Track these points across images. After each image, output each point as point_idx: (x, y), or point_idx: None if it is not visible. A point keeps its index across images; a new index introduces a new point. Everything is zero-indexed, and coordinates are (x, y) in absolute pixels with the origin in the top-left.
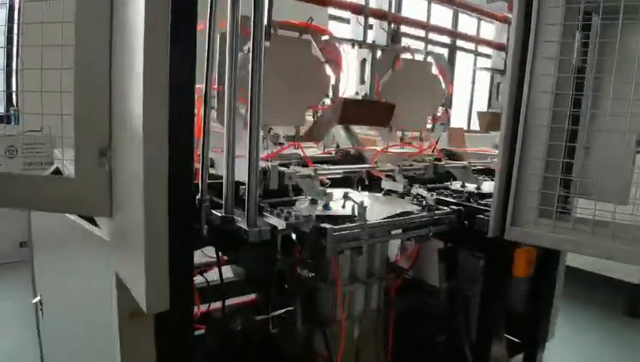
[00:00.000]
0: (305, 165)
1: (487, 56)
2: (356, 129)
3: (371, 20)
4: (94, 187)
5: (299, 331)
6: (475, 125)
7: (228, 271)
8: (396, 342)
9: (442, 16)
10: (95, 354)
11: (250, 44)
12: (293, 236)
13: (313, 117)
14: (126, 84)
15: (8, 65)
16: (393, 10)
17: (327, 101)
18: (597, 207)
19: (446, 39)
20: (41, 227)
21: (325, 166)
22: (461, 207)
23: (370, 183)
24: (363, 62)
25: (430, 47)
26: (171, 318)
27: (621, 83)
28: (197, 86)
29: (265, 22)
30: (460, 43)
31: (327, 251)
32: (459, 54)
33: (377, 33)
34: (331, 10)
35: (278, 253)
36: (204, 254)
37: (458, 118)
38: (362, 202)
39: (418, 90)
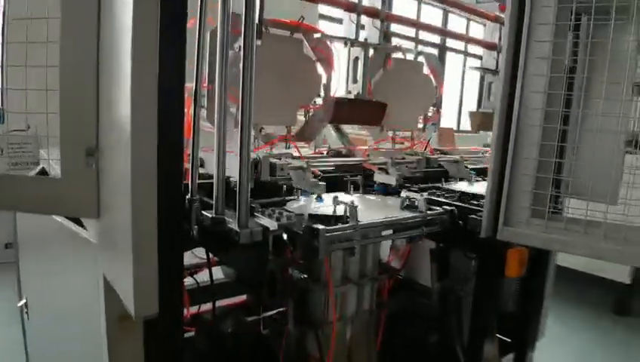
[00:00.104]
0: None
1: (477, 56)
2: (347, 129)
3: (364, 19)
4: (81, 188)
5: (290, 332)
6: (465, 125)
7: (218, 272)
8: (388, 342)
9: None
10: (82, 358)
11: (241, 41)
12: (285, 236)
13: (305, 116)
14: (114, 82)
15: None
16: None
17: (319, 100)
18: (587, 207)
19: (437, 39)
20: (27, 228)
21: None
22: (453, 208)
23: (365, 179)
24: (355, 60)
25: (421, 47)
26: (160, 322)
27: (611, 83)
28: (186, 85)
29: (256, 19)
30: (450, 43)
31: (319, 252)
32: (449, 54)
33: (370, 32)
34: (322, 9)
35: (270, 253)
36: (194, 255)
37: (448, 118)
38: (353, 202)
39: (409, 90)
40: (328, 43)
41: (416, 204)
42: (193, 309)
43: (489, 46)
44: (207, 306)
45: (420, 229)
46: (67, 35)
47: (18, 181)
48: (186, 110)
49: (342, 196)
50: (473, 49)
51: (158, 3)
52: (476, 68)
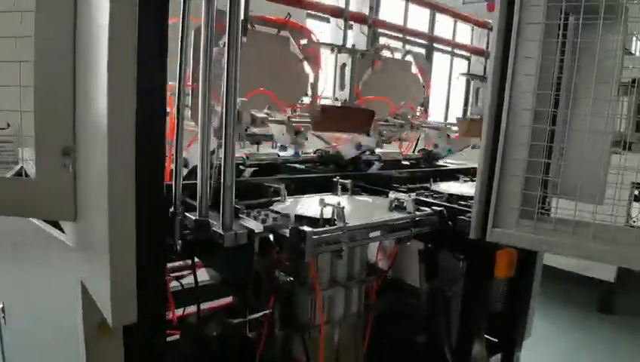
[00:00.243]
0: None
1: (465, 57)
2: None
3: (351, 24)
4: (57, 189)
5: (277, 336)
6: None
7: (203, 274)
8: (376, 343)
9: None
10: None
11: (225, 39)
12: (271, 237)
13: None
14: (90, 78)
15: None
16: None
17: (306, 99)
18: (576, 208)
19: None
20: (3, 230)
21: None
22: (442, 208)
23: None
24: (343, 67)
25: (408, 47)
26: (141, 330)
27: (597, 83)
28: (169, 83)
29: (241, 16)
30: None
31: (306, 255)
32: (436, 54)
33: (357, 38)
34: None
35: (256, 254)
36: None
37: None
38: (339, 203)
39: (397, 89)
40: (314, 39)
41: (404, 205)
42: (178, 312)
43: (477, 52)
44: (192, 308)
45: (409, 231)
46: (42, 28)
47: None
48: (169, 109)
49: (329, 197)
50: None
51: None
52: (464, 74)
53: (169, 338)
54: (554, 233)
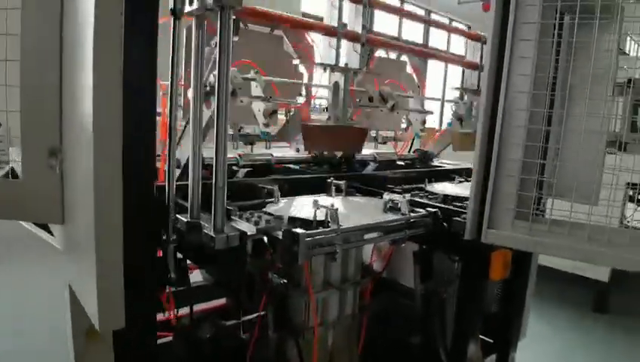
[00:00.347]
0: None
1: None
2: None
3: (343, 43)
4: (44, 190)
5: (270, 339)
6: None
7: (197, 275)
8: (371, 344)
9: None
10: None
11: (217, 39)
12: (265, 238)
13: (286, 115)
14: (76, 78)
15: None
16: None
17: (300, 99)
18: (571, 209)
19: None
20: None
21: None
22: (437, 210)
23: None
24: (336, 85)
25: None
26: (131, 335)
27: (593, 83)
28: (163, 83)
29: (233, 15)
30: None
31: (299, 258)
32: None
33: (350, 56)
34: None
35: (249, 256)
36: None
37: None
38: (333, 204)
39: (392, 89)
40: (309, 40)
41: (399, 206)
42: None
43: (471, 66)
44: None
45: (403, 232)
46: (28, 26)
47: None
48: (162, 110)
49: (324, 198)
50: (454, 48)
51: None
52: (457, 88)
53: (162, 341)
54: (549, 234)
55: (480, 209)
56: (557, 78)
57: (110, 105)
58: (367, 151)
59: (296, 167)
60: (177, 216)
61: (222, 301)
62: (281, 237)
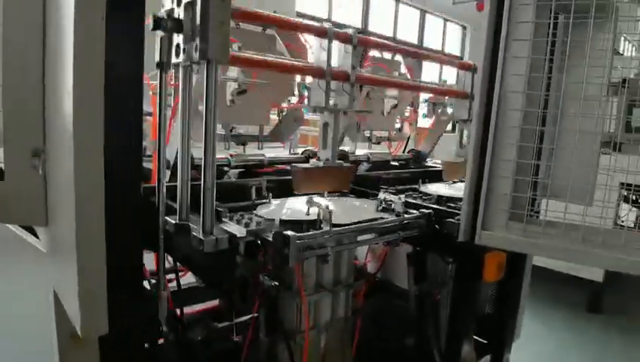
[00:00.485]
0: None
1: (454, 56)
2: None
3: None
4: (26, 192)
5: (262, 342)
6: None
7: (190, 276)
8: (365, 345)
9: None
10: None
11: None
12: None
13: (278, 116)
14: (59, 78)
15: None
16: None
17: (293, 99)
18: (565, 210)
19: (414, 40)
20: None
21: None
22: (430, 211)
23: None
24: (325, 126)
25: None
26: (118, 341)
27: (588, 83)
28: (153, 83)
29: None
30: (427, 44)
31: (290, 260)
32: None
33: (339, 97)
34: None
35: (241, 257)
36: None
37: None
38: (327, 206)
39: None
40: (302, 39)
41: (392, 206)
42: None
43: (462, 95)
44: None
45: (397, 234)
46: (10, 27)
47: None
48: (152, 109)
49: (316, 199)
50: (450, 48)
51: None
52: (449, 118)
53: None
54: (543, 236)
55: (474, 210)
56: (551, 78)
57: (91, 106)
58: (361, 151)
59: (289, 168)
60: (166, 217)
61: (214, 302)
62: (271, 239)
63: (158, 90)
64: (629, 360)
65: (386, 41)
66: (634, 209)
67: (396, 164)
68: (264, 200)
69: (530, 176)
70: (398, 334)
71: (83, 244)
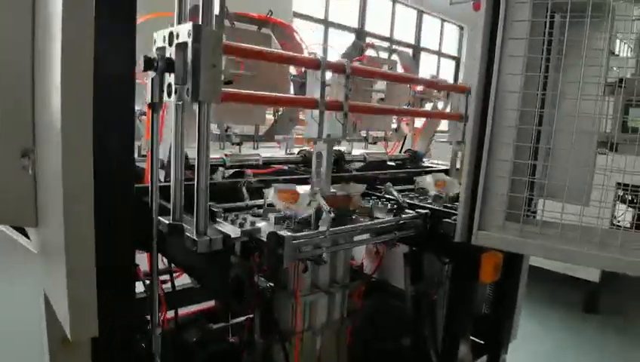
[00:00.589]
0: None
1: (451, 56)
2: None
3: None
4: (15, 192)
5: (257, 343)
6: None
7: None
8: (361, 346)
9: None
10: None
11: None
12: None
13: (274, 115)
14: (48, 77)
15: None
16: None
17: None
18: (562, 210)
19: (411, 39)
20: None
21: None
22: (427, 211)
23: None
24: (319, 156)
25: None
26: (110, 343)
27: (584, 83)
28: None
29: (215, 11)
30: (424, 43)
31: (284, 260)
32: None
33: (333, 128)
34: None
35: (236, 257)
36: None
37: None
38: (330, 211)
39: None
40: (297, 37)
41: (388, 207)
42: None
43: (457, 117)
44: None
45: (393, 234)
46: None
47: None
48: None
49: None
50: (446, 49)
51: None
52: (443, 141)
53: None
54: (540, 236)
55: (470, 210)
56: (548, 78)
57: (79, 102)
58: (358, 151)
59: (285, 168)
60: (160, 217)
61: (210, 303)
62: (265, 239)
63: (150, 128)
64: (626, 360)
65: (378, 70)
66: (630, 209)
67: (393, 164)
68: (260, 201)
69: (527, 176)
70: (394, 335)
71: (72, 245)
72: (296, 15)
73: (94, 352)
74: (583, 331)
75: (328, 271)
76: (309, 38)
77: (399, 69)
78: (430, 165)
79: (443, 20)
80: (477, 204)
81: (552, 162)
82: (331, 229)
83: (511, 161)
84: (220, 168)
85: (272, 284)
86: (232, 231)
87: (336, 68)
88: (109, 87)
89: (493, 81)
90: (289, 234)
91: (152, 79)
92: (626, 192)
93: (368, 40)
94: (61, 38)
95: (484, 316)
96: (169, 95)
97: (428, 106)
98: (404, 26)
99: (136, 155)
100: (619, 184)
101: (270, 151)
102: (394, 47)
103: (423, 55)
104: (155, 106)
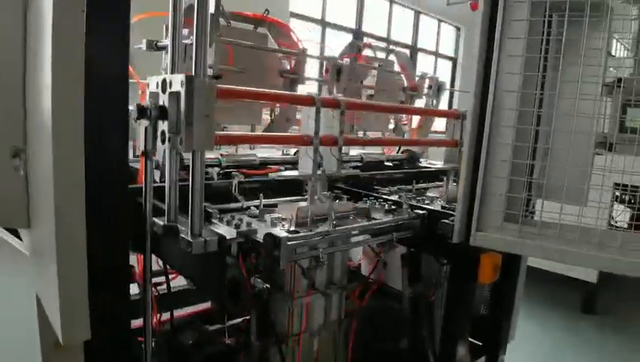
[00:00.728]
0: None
1: (448, 57)
2: None
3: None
4: (7, 193)
5: (254, 345)
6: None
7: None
8: (359, 348)
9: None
10: None
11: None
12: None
13: (270, 115)
14: (39, 76)
15: None
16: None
17: None
18: (561, 210)
19: (408, 40)
20: None
21: None
22: (425, 212)
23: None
24: (313, 190)
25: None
26: (103, 347)
27: (583, 83)
28: (143, 81)
29: (210, 10)
30: (421, 44)
31: (280, 262)
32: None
33: (328, 163)
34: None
35: (232, 258)
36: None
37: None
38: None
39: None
40: (294, 37)
41: (386, 207)
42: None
43: (452, 144)
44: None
45: (391, 235)
46: None
47: None
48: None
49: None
50: (443, 49)
51: None
52: (437, 168)
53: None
54: (539, 237)
55: (469, 211)
56: (545, 77)
57: (70, 101)
58: (355, 152)
59: (281, 168)
60: (154, 219)
61: (206, 305)
62: (262, 241)
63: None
64: (624, 360)
65: (372, 103)
66: (628, 209)
67: (390, 164)
68: (256, 202)
69: (525, 177)
70: (392, 336)
71: (63, 246)
72: (293, 15)
73: (87, 355)
74: (581, 331)
75: (325, 272)
76: (306, 38)
77: (396, 68)
78: (427, 165)
79: (440, 21)
80: (475, 205)
81: (551, 162)
82: (327, 230)
83: (509, 161)
84: (216, 168)
85: (268, 286)
86: (228, 232)
87: (331, 104)
88: (102, 87)
89: (491, 81)
90: (285, 235)
91: (146, 128)
92: (624, 193)
93: (365, 40)
94: (52, 37)
95: (482, 317)
96: (162, 142)
97: (419, 103)
98: (401, 27)
99: (130, 156)
100: (617, 184)
101: (267, 151)
102: (391, 47)
103: (420, 55)
104: (148, 154)
